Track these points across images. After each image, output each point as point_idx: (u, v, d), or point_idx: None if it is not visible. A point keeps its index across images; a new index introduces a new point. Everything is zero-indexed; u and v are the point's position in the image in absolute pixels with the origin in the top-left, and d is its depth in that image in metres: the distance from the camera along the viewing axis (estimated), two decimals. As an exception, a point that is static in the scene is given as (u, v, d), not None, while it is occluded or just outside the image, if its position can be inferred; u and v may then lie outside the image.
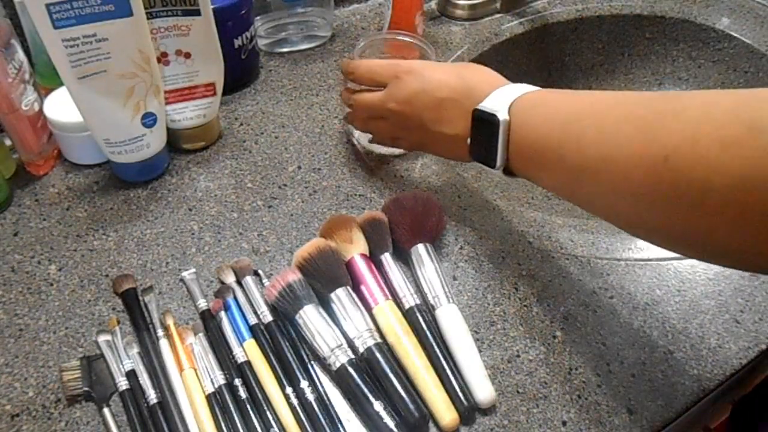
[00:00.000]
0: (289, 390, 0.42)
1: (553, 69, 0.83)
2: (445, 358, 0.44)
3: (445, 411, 0.41)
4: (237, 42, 0.64)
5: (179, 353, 0.44)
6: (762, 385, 0.52)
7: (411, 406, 0.41)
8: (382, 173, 0.59)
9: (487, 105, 0.45)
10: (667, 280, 0.51)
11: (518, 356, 0.46)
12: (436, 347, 0.44)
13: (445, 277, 0.48)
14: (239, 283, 0.49)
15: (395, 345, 0.44)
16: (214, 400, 0.42)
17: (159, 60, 0.54)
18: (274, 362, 0.44)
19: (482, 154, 0.46)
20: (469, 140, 0.47)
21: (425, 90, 0.49)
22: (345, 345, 0.43)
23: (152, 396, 0.42)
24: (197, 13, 0.54)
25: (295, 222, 0.54)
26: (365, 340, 0.43)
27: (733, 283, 0.51)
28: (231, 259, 0.51)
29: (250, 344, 0.45)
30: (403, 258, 0.50)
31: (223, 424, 0.41)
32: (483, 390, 0.42)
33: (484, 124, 0.45)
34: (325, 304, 0.46)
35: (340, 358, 0.42)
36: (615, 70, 0.84)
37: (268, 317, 0.46)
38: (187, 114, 0.59)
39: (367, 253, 0.49)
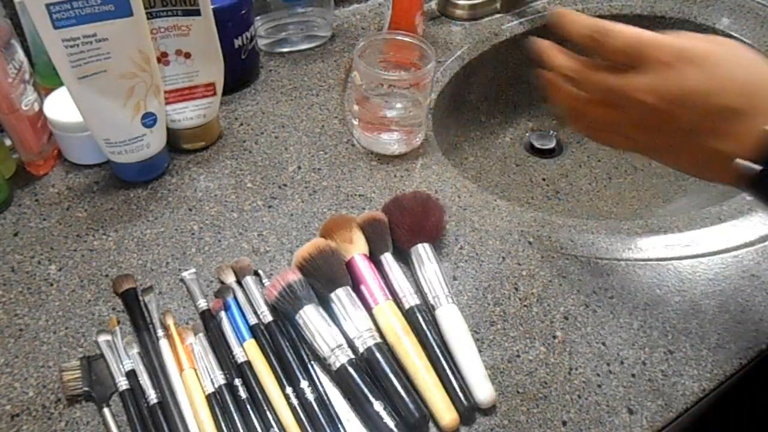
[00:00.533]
0: (289, 390, 0.42)
1: (553, 69, 0.83)
2: (445, 358, 0.43)
3: (445, 411, 0.41)
4: (237, 42, 0.64)
5: (179, 353, 0.44)
6: None
7: (411, 406, 0.41)
8: (382, 173, 0.59)
9: None
10: (667, 280, 0.51)
11: (518, 356, 0.46)
12: (436, 347, 0.44)
13: (445, 277, 0.48)
14: (239, 283, 0.49)
15: (395, 345, 0.44)
16: (214, 400, 0.42)
17: (159, 60, 0.54)
18: (274, 362, 0.44)
19: None
20: (748, 164, 0.37)
21: (709, 92, 0.38)
22: (345, 345, 0.43)
23: (152, 396, 0.42)
24: (197, 13, 0.54)
25: (295, 222, 0.54)
26: (365, 340, 0.43)
27: (733, 283, 0.51)
28: (231, 259, 0.51)
29: (250, 344, 0.45)
30: (403, 258, 0.50)
31: (223, 424, 0.41)
32: (483, 390, 0.42)
33: None
34: (325, 304, 0.46)
35: (340, 358, 0.42)
36: (615, 70, 0.84)
37: (268, 317, 0.46)
38: (187, 114, 0.59)
39: (367, 253, 0.49)
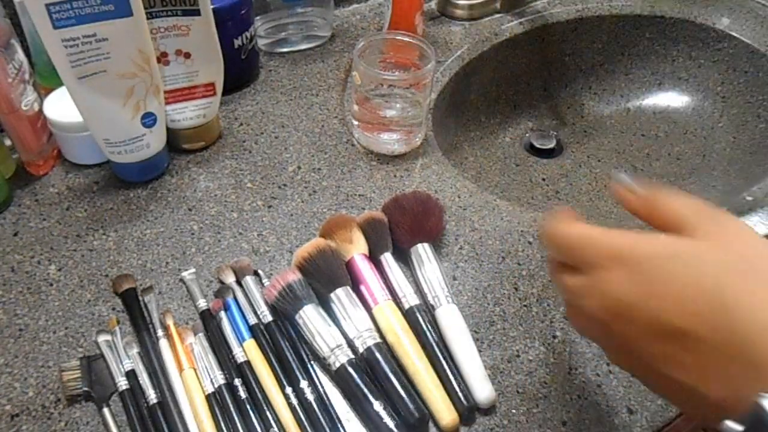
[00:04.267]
0: (288, 390, 0.42)
1: (553, 69, 0.83)
2: (445, 358, 0.43)
3: (445, 411, 0.41)
4: (237, 42, 0.64)
5: (179, 353, 0.44)
6: None
7: (411, 406, 0.41)
8: (382, 173, 0.59)
9: None
10: (667, 280, 0.51)
11: (518, 356, 0.46)
12: (436, 347, 0.44)
13: (445, 277, 0.48)
14: (239, 283, 0.49)
15: (395, 345, 0.44)
16: (214, 400, 0.42)
17: (159, 60, 0.54)
18: (274, 362, 0.44)
19: None
20: (729, 425, 0.27)
21: (640, 307, 0.30)
22: (345, 345, 0.43)
23: (152, 396, 0.42)
24: (197, 13, 0.54)
25: (295, 222, 0.54)
26: (365, 340, 0.43)
27: (733, 283, 0.50)
28: (231, 259, 0.51)
29: (250, 344, 0.45)
30: (403, 258, 0.50)
31: (222, 424, 0.41)
32: (483, 390, 0.42)
33: None
34: (325, 304, 0.46)
35: (340, 358, 0.42)
36: (615, 70, 0.85)
37: (268, 317, 0.46)
38: (187, 114, 0.59)
39: (367, 253, 0.49)
